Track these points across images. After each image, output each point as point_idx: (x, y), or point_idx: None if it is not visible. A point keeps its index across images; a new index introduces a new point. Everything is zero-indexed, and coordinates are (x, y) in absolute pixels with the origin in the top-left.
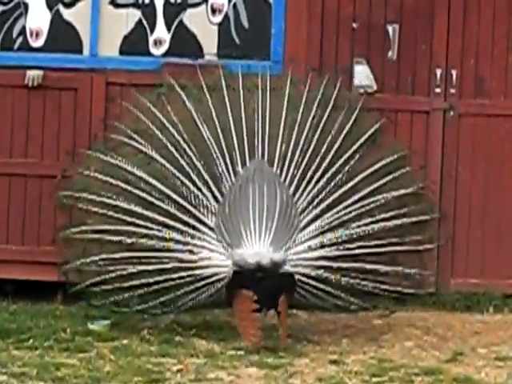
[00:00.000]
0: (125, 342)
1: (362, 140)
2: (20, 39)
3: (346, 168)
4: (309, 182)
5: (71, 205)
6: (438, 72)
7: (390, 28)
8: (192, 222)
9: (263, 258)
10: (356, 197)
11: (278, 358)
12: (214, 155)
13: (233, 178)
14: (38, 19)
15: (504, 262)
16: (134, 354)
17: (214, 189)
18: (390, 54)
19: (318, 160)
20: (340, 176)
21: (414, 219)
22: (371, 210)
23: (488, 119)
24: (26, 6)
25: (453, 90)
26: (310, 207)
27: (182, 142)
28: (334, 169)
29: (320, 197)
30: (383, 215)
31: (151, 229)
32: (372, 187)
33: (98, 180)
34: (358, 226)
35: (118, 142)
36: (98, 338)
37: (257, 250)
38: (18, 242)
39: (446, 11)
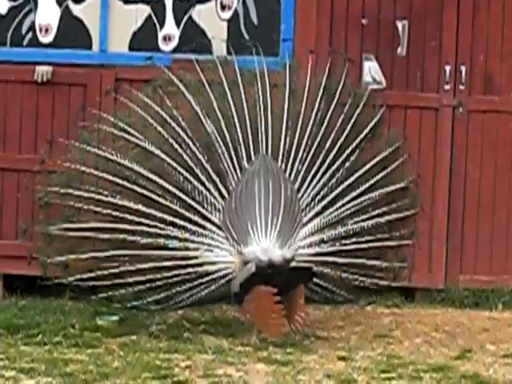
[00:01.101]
0: (133, 337)
1: (364, 133)
2: (29, 35)
3: (348, 163)
4: (313, 177)
5: (52, 201)
6: (448, 68)
7: (399, 24)
8: (196, 219)
9: (275, 255)
10: (355, 193)
11: (286, 354)
12: (219, 150)
13: (239, 174)
14: (47, 15)
15: None
16: (143, 349)
17: (219, 185)
18: (399, 50)
19: (322, 154)
20: (341, 172)
21: (401, 215)
22: (367, 206)
23: (497, 116)
24: (35, 1)
25: (462, 87)
26: (313, 203)
27: (184, 136)
28: (337, 164)
29: (322, 193)
30: (377, 211)
31: (154, 227)
32: (369, 183)
33: (93, 176)
34: (355, 223)
35: (110, 135)
36: (107, 333)
37: (266, 247)
38: (27, 237)
39: (455, 7)
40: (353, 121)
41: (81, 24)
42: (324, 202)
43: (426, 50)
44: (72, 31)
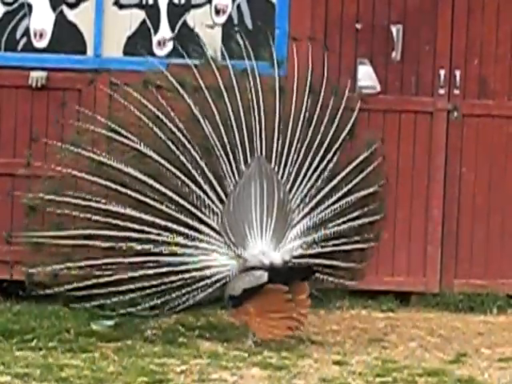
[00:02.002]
0: (128, 342)
1: (344, 134)
2: (24, 40)
3: (331, 165)
4: (303, 179)
5: (39, 207)
6: (442, 73)
7: (393, 29)
8: (193, 223)
9: (275, 258)
10: (337, 195)
11: (281, 359)
12: (218, 152)
13: (236, 176)
14: (41, 20)
15: (507, 263)
16: (138, 354)
17: (217, 187)
18: (393, 54)
19: (310, 156)
20: (326, 174)
21: (371, 219)
22: (346, 208)
23: (492, 120)
24: (29, 6)
25: (457, 91)
26: (302, 205)
27: (181, 136)
28: (322, 166)
29: (310, 195)
30: (352, 214)
31: (147, 233)
32: (350, 186)
33: (84, 180)
34: (334, 226)
35: (102, 136)
36: (102, 338)
37: (264, 249)
38: (21, 243)
39: (449, 11)
40: (337, 120)
41: (75, 29)
42: (311, 204)
43: (420, 54)
44: (66, 36)
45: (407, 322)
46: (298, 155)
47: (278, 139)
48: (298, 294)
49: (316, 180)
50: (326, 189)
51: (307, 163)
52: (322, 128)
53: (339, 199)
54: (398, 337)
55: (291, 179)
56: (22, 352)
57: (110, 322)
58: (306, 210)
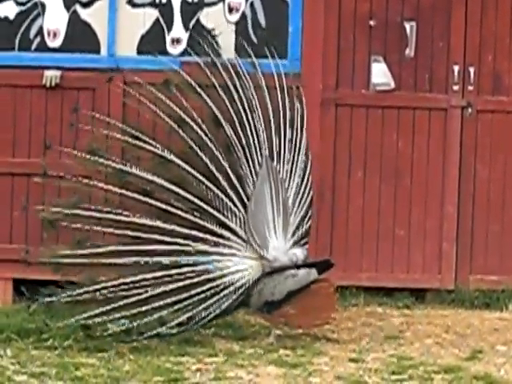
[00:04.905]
0: (144, 341)
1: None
2: (37, 39)
3: (303, 164)
4: (294, 178)
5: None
6: (456, 69)
7: (407, 25)
8: (218, 229)
9: (299, 255)
10: (305, 195)
11: (297, 357)
12: (239, 154)
13: (254, 177)
14: (55, 19)
15: None
16: (154, 353)
17: (240, 190)
18: (407, 51)
19: (295, 155)
20: (302, 173)
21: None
22: (308, 208)
23: (506, 116)
24: (43, 6)
25: (470, 87)
26: (293, 203)
27: (206, 140)
28: (303, 165)
29: (296, 193)
30: (309, 214)
31: (176, 244)
32: (308, 186)
33: (105, 191)
34: (304, 225)
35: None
36: (118, 337)
37: (285, 248)
38: (37, 242)
39: (463, 7)
40: (305, 121)
41: (89, 28)
42: (296, 202)
43: (434, 50)
44: (80, 35)
45: (423, 318)
46: (290, 154)
47: (279, 138)
48: (325, 288)
49: (298, 178)
50: (302, 188)
51: (295, 162)
52: (298, 128)
53: (306, 199)
54: (414, 334)
55: (287, 178)
56: (38, 351)
57: (126, 321)
58: (295, 208)
